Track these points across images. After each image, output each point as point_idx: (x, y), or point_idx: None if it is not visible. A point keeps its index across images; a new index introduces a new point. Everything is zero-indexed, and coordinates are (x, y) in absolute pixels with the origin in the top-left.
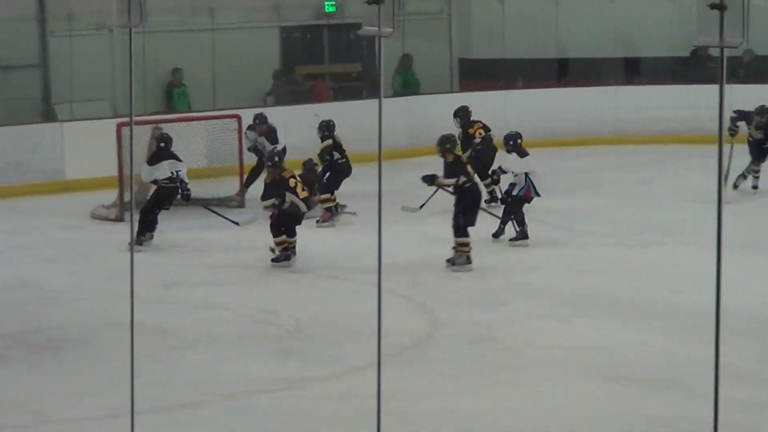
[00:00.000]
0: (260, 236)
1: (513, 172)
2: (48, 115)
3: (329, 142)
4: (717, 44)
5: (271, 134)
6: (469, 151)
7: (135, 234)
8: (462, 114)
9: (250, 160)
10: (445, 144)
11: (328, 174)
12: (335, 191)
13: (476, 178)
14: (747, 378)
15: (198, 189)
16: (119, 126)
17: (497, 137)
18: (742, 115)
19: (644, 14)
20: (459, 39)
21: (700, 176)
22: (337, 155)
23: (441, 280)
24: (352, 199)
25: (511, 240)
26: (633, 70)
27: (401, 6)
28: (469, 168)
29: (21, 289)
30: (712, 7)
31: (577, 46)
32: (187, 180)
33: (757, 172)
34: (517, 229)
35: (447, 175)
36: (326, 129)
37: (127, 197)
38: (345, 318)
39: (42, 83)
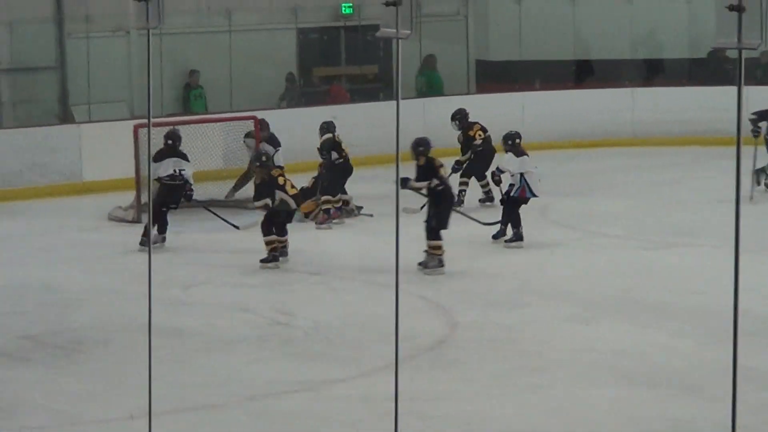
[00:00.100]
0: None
1: (510, 172)
2: (65, 117)
3: (329, 135)
4: (735, 46)
5: (272, 140)
6: (469, 152)
7: (151, 235)
8: (460, 116)
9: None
10: (417, 147)
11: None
12: (340, 194)
13: (450, 181)
14: (767, 381)
15: (215, 190)
16: (136, 128)
17: None
18: (761, 115)
19: (661, 16)
20: (476, 41)
21: (718, 178)
22: (335, 155)
23: (459, 282)
24: (368, 201)
25: (506, 241)
26: (650, 72)
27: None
28: (442, 171)
29: (41, 291)
30: (731, 8)
31: (594, 48)
32: (191, 180)
33: None
34: (512, 231)
35: (419, 178)
36: (326, 128)
37: (144, 199)
38: (363, 320)
39: (59, 85)
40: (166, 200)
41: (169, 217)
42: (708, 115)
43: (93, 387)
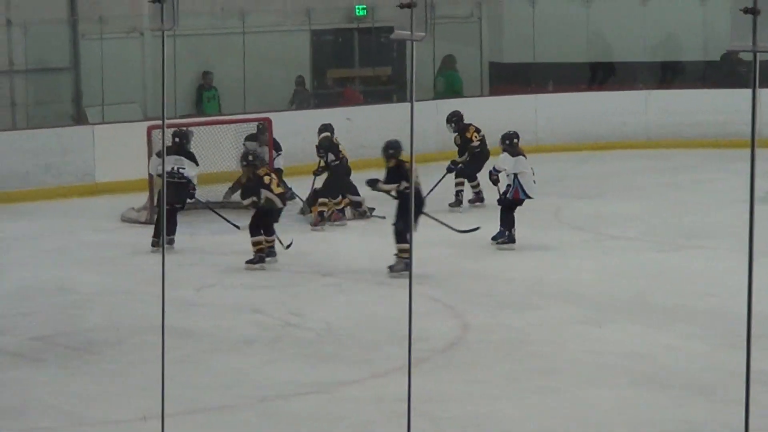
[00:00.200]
0: (309, 241)
1: (505, 172)
2: (79, 118)
3: (327, 134)
4: (750, 49)
5: (274, 143)
6: (465, 154)
7: (164, 235)
8: (456, 119)
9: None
10: (388, 150)
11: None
12: (350, 195)
13: (418, 183)
14: None
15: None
16: (150, 129)
17: (528, 142)
18: None
19: (675, 18)
20: (490, 43)
21: (732, 180)
22: (332, 157)
23: (472, 284)
24: (380, 203)
25: (498, 243)
26: (664, 74)
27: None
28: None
29: (53, 292)
30: (745, 11)
31: (608, 50)
32: (193, 180)
33: None
34: (506, 233)
35: (388, 180)
36: (324, 128)
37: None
38: (375, 321)
39: (73, 86)
40: (169, 199)
41: (179, 219)
42: (722, 117)
43: (105, 388)
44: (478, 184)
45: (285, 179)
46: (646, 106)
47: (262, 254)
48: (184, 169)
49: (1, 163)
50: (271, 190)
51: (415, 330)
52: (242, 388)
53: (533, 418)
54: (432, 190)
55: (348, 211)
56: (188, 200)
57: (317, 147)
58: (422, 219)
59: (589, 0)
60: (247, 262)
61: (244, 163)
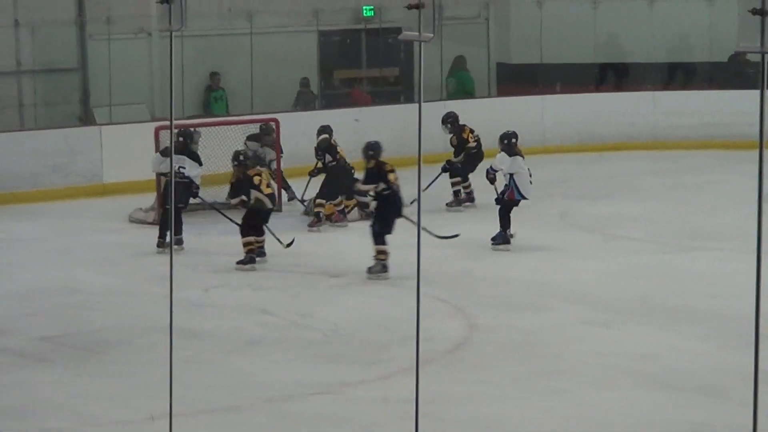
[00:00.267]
0: (307, 242)
1: (502, 171)
2: (86, 119)
3: (325, 136)
4: (758, 50)
5: (273, 145)
6: (462, 154)
7: (172, 236)
8: (452, 120)
9: (285, 164)
10: (368, 150)
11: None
12: (356, 197)
13: (397, 186)
14: None
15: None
16: (157, 129)
17: (535, 143)
18: None
19: (682, 19)
20: (497, 44)
21: (740, 181)
22: (329, 158)
23: (477, 285)
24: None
25: (493, 243)
26: (671, 76)
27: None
28: (391, 176)
29: (60, 292)
30: (754, 12)
31: (615, 51)
32: (195, 180)
33: None
34: (501, 233)
35: (366, 181)
36: (323, 130)
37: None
38: (382, 322)
39: (81, 87)
40: (170, 197)
41: (186, 219)
42: (729, 118)
43: (111, 388)
44: (470, 185)
45: (287, 180)
46: (653, 107)
47: (253, 254)
48: (184, 168)
49: (9, 163)
50: (260, 191)
51: (423, 331)
52: (248, 388)
53: (539, 419)
54: (425, 189)
55: (355, 212)
56: (193, 200)
57: (315, 149)
58: (402, 222)
59: (596, 1)
60: (238, 262)
61: (235, 163)
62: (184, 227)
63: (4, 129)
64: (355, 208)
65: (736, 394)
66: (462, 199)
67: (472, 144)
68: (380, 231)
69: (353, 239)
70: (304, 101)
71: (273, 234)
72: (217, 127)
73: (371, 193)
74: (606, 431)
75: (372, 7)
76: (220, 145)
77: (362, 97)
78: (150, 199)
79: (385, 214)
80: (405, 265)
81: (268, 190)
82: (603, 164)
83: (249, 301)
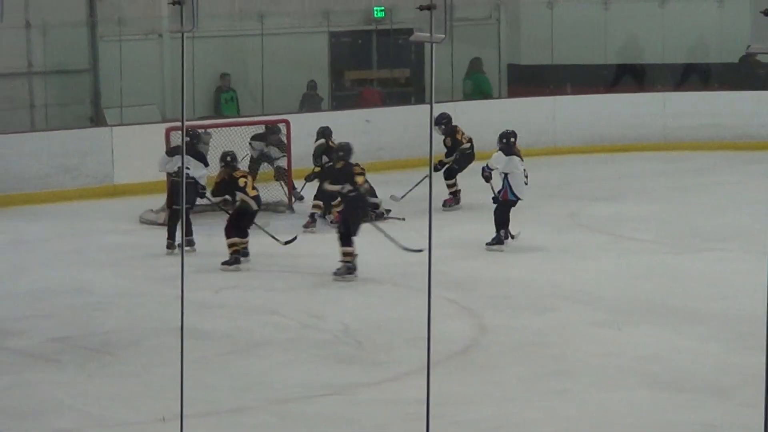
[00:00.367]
0: (307, 242)
1: (498, 170)
2: (97, 120)
3: (322, 141)
4: None
5: (280, 144)
6: (455, 154)
7: (176, 237)
8: (446, 121)
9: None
10: (338, 151)
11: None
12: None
13: (365, 188)
14: None
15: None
16: (168, 130)
17: (546, 144)
18: None
19: (693, 20)
20: (508, 45)
21: (749, 183)
22: (325, 159)
23: (488, 286)
24: (398, 205)
25: (487, 244)
26: (681, 77)
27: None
28: (359, 179)
29: (72, 294)
30: (766, 13)
31: (626, 53)
32: (200, 180)
33: None
34: (495, 233)
35: (333, 182)
36: (321, 133)
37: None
38: (392, 323)
39: (92, 88)
40: (176, 199)
41: (195, 220)
42: (739, 119)
43: (123, 389)
44: (455, 184)
45: (294, 180)
46: (664, 108)
47: (238, 255)
48: (189, 168)
49: (20, 164)
50: (246, 193)
51: (433, 332)
52: (259, 389)
53: (549, 421)
54: (412, 189)
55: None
56: (200, 200)
57: (312, 155)
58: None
59: (607, 2)
60: (223, 263)
61: (222, 163)
62: (194, 228)
63: (15, 130)
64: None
65: (740, 395)
66: (449, 200)
67: (466, 144)
68: (345, 232)
69: (362, 240)
70: (310, 104)
71: (268, 233)
72: (227, 128)
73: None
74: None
75: (383, 8)
76: (230, 146)
77: (374, 95)
78: (161, 200)
79: (350, 215)
80: (413, 266)
81: (254, 192)
82: (612, 165)
83: (259, 303)
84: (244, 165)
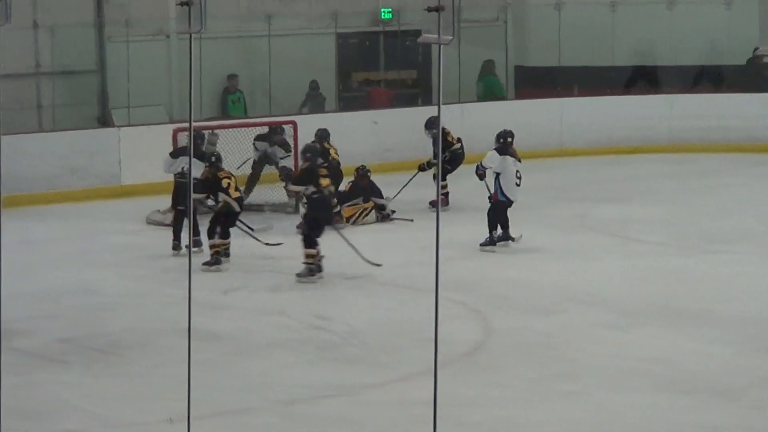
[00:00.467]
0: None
1: (491, 169)
2: (105, 121)
3: (315, 144)
4: None
5: (284, 144)
6: (446, 154)
7: (181, 238)
8: (437, 125)
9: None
10: (305, 153)
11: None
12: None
13: (329, 191)
14: None
15: (253, 195)
16: (175, 131)
17: (552, 146)
18: None
19: (701, 23)
20: (515, 46)
21: (756, 185)
22: (321, 160)
23: (496, 288)
24: (405, 205)
25: (480, 245)
26: (689, 78)
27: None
28: (323, 181)
29: (79, 294)
30: None
31: (633, 55)
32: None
33: None
34: (488, 234)
35: (296, 182)
36: (320, 135)
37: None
38: (399, 325)
39: (99, 89)
40: (180, 200)
41: (202, 221)
42: (747, 121)
43: (130, 390)
44: (445, 185)
45: None
46: (671, 110)
47: (219, 256)
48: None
49: (28, 165)
50: (228, 194)
51: (440, 333)
52: (266, 390)
53: (555, 422)
54: (402, 189)
55: (373, 215)
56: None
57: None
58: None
59: (614, 4)
60: (204, 264)
61: (208, 164)
62: (200, 229)
63: (22, 130)
64: (372, 211)
65: (747, 397)
66: (434, 201)
67: (457, 145)
68: (308, 234)
69: (369, 241)
70: (313, 104)
71: (252, 235)
72: (234, 129)
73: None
74: None
75: (390, 9)
76: (237, 147)
77: (382, 96)
78: (168, 200)
79: (313, 217)
80: (419, 268)
81: (236, 194)
82: (619, 167)
83: (266, 304)
84: (248, 166)
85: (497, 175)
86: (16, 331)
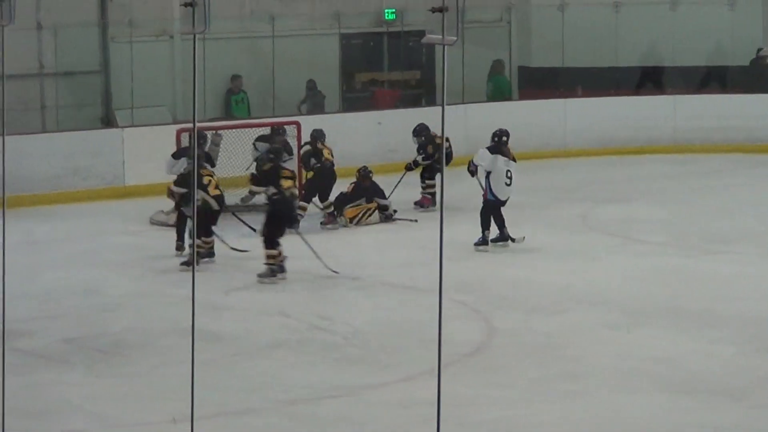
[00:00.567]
0: (316, 245)
1: (482, 167)
2: (108, 121)
3: (306, 148)
4: None
5: (287, 146)
6: (435, 155)
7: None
8: (425, 132)
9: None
10: (269, 154)
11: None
12: (320, 198)
13: (290, 192)
14: None
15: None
16: (179, 132)
17: (556, 146)
18: None
19: (704, 23)
20: (519, 47)
21: (760, 185)
22: (314, 161)
23: (499, 288)
24: (405, 205)
25: (474, 244)
26: (692, 79)
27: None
28: (284, 182)
29: (82, 295)
30: None
31: (636, 55)
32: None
33: None
34: (481, 234)
35: (258, 183)
36: (316, 135)
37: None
38: (402, 325)
39: (103, 89)
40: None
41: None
42: (750, 122)
43: (133, 390)
44: (432, 186)
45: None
46: (674, 110)
47: (199, 257)
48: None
49: (31, 165)
50: (207, 192)
51: (443, 334)
52: (269, 391)
53: (559, 423)
54: (393, 190)
55: (376, 215)
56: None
57: (302, 161)
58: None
59: (618, 5)
60: (182, 263)
61: (189, 160)
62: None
63: (26, 131)
64: (376, 211)
65: (751, 397)
66: (423, 200)
67: (445, 144)
68: (268, 235)
69: (372, 241)
70: (313, 103)
71: (220, 238)
72: (238, 129)
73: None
74: None
75: (394, 10)
76: (241, 148)
77: (387, 96)
78: (171, 201)
79: (274, 218)
80: (420, 268)
81: (215, 192)
82: (623, 168)
83: (268, 304)
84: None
85: (488, 173)
86: (19, 331)
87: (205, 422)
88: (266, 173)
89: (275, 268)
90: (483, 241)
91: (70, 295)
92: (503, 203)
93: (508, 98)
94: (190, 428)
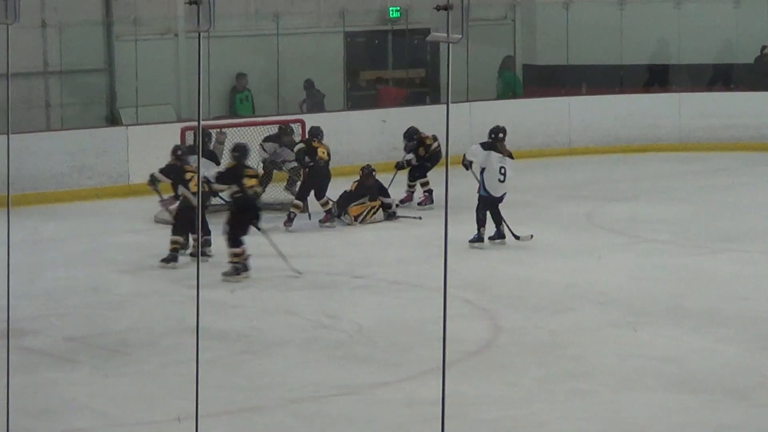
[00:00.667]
0: (321, 242)
1: (475, 162)
2: (113, 120)
3: (300, 146)
4: None
5: (292, 145)
6: (426, 154)
7: (199, 238)
8: (417, 135)
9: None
10: (233, 152)
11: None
12: (326, 198)
13: (253, 191)
14: None
15: (266, 194)
16: (183, 130)
17: (561, 144)
18: None
19: (709, 21)
20: (523, 45)
21: (766, 183)
22: (307, 159)
23: (504, 286)
24: (413, 204)
25: (469, 241)
26: (697, 77)
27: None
28: (248, 181)
29: (87, 293)
30: None
31: (641, 53)
32: (210, 178)
33: None
34: (476, 231)
35: (220, 180)
36: (313, 132)
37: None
38: (407, 323)
39: (107, 87)
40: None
41: (211, 219)
42: (756, 120)
43: (139, 389)
44: (423, 183)
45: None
46: (680, 108)
47: (176, 253)
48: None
49: (36, 164)
50: (188, 189)
51: (449, 332)
52: (275, 389)
53: (566, 421)
54: (389, 186)
55: (380, 213)
56: (213, 199)
57: (296, 159)
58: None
59: (622, 3)
60: (162, 260)
61: (173, 156)
62: (210, 227)
63: (30, 129)
64: (380, 209)
65: (757, 396)
66: (405, 198)
67: (435, 144)
68: (232, 234)
69: (376, 239)
70: (313, 102)
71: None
72: (242, 128)
73: (226, 194)
74: None
75: (398, 8)
76: None
77: (391, 94)
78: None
79: (237, 217)
80: (426, 266)
81: (196, 189)
82: (628, 166)
83: (274, 303)
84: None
85: (483, 170)
86: (25, 329)
87: (210, 421)
88: (227, 171)
89: (239, 266)
90: (478, 238)
91: (75, 294)
92: (498, 200)
93: (516, 95)
94: (195, 427)
